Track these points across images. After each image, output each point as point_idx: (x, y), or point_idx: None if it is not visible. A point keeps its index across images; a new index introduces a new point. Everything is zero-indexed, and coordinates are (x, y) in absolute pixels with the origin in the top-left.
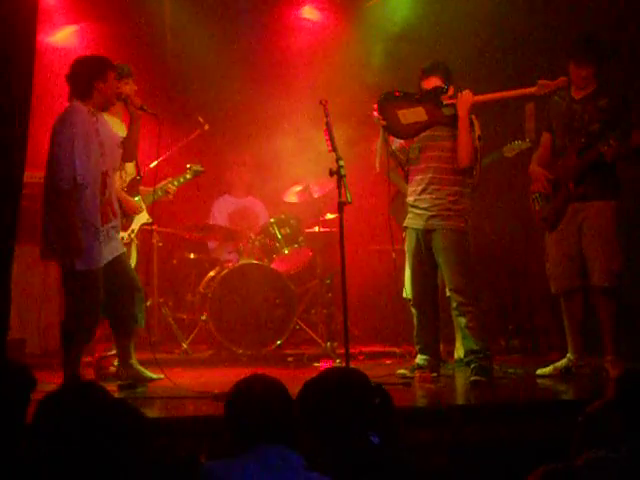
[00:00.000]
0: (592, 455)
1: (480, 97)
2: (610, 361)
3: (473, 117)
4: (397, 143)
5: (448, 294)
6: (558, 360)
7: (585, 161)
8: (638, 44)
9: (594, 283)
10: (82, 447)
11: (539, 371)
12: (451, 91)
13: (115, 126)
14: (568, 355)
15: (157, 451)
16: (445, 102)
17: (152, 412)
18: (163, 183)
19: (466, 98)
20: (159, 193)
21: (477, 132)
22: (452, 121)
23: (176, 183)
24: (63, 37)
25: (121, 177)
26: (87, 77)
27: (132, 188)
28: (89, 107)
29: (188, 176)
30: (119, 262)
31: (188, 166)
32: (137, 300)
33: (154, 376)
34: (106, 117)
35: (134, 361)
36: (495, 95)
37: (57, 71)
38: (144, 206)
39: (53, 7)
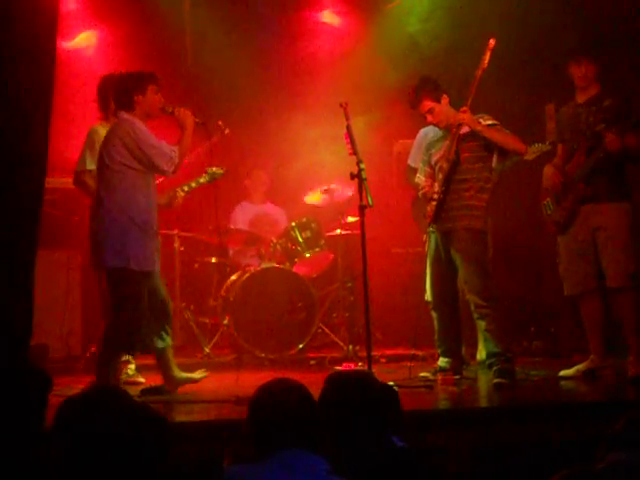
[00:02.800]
0: (614, 458)
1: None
2: (631, 362)
3: (481, 118)
4: (436, 156)
5: (468, 296)
6: (581, 362)
7: (593, 161)
8: None
9: (610, 285)
10: (103, 451)
11: (562, 373)
12: (446, 100)
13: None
14: (591, 357)
15: (180, 455)
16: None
17: (175, 416)
18: (177, 189)
19: (465, 117)
20: (164, 200)
21: (490, 122)
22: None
23: (186, 188)
24: (83, 41)
25: None
26: (127, 91)
27: None
28: (135, 117)
29: (202, 180)
30: (156, 277)
31: (207, 169)
32: (165, 319)
33: (197, 376)
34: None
35: (175, 372)
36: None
37: (77, 75)
38: None
39: (73, 12)
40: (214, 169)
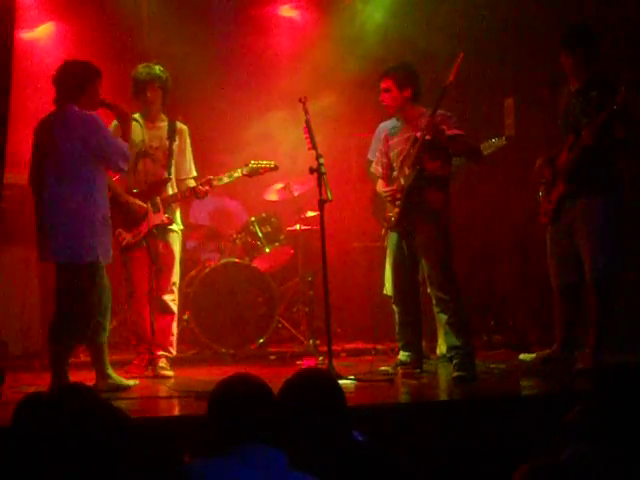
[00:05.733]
0: (574, 449)
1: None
2: (584, 355)
3: (441, 114)
4: (396, 149)
5: (429, 290)
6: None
7: (572, 157)
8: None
9: (587, 279)
10: (65, 448)
11: (521, 356)
12: (408, 93)
13: None
14: (553, 347)
15: (141, 451)
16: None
17: (136, 412)
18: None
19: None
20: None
21: (456, 132)
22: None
23: (215, 183)
24: (40, 35)
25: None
26: (80, 82)
27: (153, 189)
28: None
29: (237, 174)
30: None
31: (250, 162)
32: (107, 313)
33: (130, 383)
34: None
35: (110, 371)
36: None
37: (34, 69)
38: (159, 207)
39: (29, 4)
40: (254, 162)
